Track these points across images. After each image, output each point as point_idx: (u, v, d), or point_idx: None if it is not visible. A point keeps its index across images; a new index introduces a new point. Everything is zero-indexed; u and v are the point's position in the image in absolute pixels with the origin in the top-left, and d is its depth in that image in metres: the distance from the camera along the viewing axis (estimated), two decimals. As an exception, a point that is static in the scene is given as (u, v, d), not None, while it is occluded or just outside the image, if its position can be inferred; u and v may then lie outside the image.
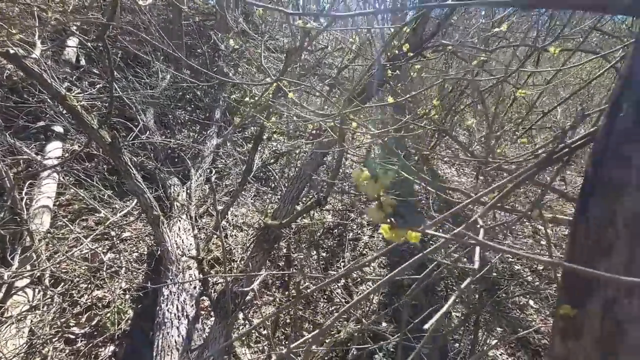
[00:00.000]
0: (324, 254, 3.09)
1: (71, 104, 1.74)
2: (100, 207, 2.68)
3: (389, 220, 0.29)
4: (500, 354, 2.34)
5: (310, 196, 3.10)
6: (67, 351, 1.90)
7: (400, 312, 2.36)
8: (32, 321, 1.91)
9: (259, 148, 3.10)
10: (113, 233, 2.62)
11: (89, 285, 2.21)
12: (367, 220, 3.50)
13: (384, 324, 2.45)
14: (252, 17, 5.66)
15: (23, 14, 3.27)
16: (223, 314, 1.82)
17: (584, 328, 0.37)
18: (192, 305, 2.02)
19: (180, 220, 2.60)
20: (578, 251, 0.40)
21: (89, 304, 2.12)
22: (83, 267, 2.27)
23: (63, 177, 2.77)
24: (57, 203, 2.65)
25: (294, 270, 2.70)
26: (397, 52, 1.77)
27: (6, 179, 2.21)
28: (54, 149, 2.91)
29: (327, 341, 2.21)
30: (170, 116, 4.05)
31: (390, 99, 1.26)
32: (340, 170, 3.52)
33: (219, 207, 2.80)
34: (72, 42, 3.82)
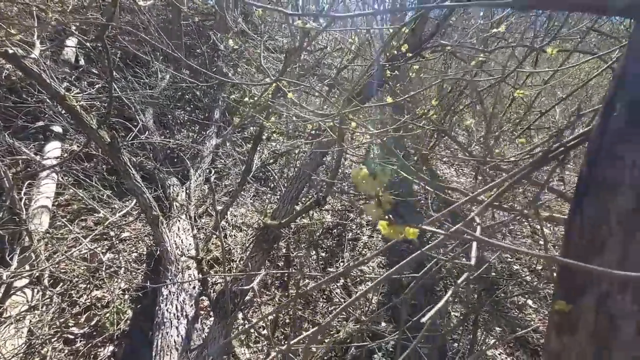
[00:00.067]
0: (323, 254, 3.10)
1: (70, 104, 1.74)
2: (100, 207, 2.68)
3: (387, 217, 0.29)
4: (499, 354, 2.35)
5: (310, 196, 3.10)
6: (66, 351, 1.89)
7: (399, 312, 2.36)
8: (31, 321, 1.90)
9: (258, 148, 3.10)
10: (112, 233, 2.62)
11: (88, 286, 2.21)
12: (366, 220, 3.51)
13: (383, 324, 2.46)
14: (252, 17, 5.67)
15: (22, 13, 3.27)
16: (222, 314, 1.82)
17: (578, 323, 0.38)
18: (192, 305, 2.02)
19: (179, 221, 2.60)
20: (573, 249, 0.40)
21: (88, 304, 2.12)
22: (82, 267, 2.27)
23: (62, 177, 2.77)
24: (56, 203, 2.65)
25: (294, 270, 2.70)
26: (396, 52, 1.78)
27: (5, 179, 2.21)
28: (53, 149, 2.90)
29: (326, 341, 2.21)
30: (169, 116, 4.05)
31: (389, 99, 1.27)
32: (340, 170, 3.52)
33: (218, 207, 2.80)
34: (71, 42, 3.81)
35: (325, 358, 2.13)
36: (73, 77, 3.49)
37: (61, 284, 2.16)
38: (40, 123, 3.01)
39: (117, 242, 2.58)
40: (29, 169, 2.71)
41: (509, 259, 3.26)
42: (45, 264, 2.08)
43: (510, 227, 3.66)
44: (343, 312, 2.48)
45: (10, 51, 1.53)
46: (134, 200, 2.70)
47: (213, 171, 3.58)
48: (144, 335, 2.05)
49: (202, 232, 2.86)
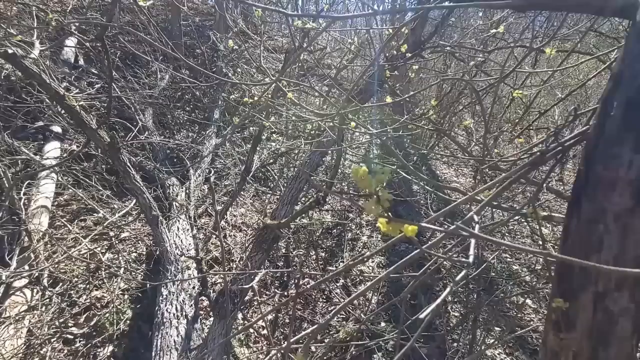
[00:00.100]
0: (323, 254, 3.10)
1: (70, 104, 1.74)
2: (99, 207, 2.67)
3: (385, 214, 0.30)
4: (499, 354, 2.35)
5: (309, 196, 3.10)
6: (65, 351, 1.89)
7: (399, 313, 2.37)
8: (30, 321, 1.90)
9: (258, 148, 3.10)
10: (112, 233, 2.61)
11: (88, 286, 2.21)
12: (366, 220, 3.51)
13: (382, 324, 2.46)
14: (251, 17, 5.67)
15: (21, 13, 3.26)
16: (222, 314, 1.82)
17: (576, 320, 0.38)
18: (191, 305, 2.02)
19: (179, 221, 2.60)
20: (570, 247, 0.41)
21: (87, 304, 2.12)
22: (82, 268, 2.27)
23: (61, 177, 2.77)
24: (56, 203, 2.64)
25: (293, 267, 2.71)
26: (395, 52, 1.78)
27: (4, 178, 2.21)
28: (53, 149, 2.90)
29: (326, 340, 2.21)
30: (169, 116, 4.05)
31: (389, 99, 1.27)
32: (339, 170, 3.53)
33: (218, 207, 2.80)
34: (71, 41, 3.81)
35: (325, 358, 2.13)
36: (72, 77, 3.49)
37: (60, 284, 2.16)
38: (40, 123, 3.00)
39: (117, 242, 2.58)
40: (28, 169, 2.71)
41: (508, 259, 3.26)
42: (45, 264, 2.08)
43: (510, 227, 3.67)
44: (343, 312, 2.48)
45: (10, 51, 1.53)
46: (134, 200, 2.70)
47: (213, 171, 3.58)
48: (143, 336, 2.05)
49: (202, 232, 2.86)
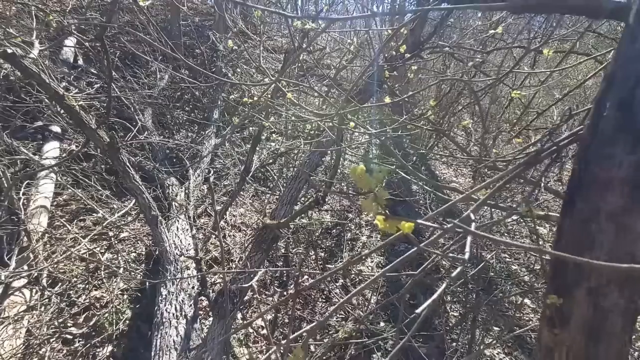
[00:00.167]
0: (322, 254, 3.11)
1: (69, 104, 1.74)
2: (98, 207, 2.67)
3: (383, 212, 0.30)
4: (497, 353, 2.36)
5: (309, 196, 3.11)
6: (64, 351, 1.89)
7: (397, 313, 2.37)
8: (29, 321, 1.90)
9: (258, 148, 3.11)
10: (111, 233, 2.61)
11: (87, 286, 2.21)
12: (365, 220, 3.52)
13: (382, 324, 2.47)
14: (251, 17, 5.68)
15: (20, 13, 3.26)
16: (221, 314, 1.82)
17: (570, 316, 0.39)
18: (191, 305, 2.02)
19: (178, 221, 2.60)
20: (564, 245, 0.41)
21: (86, 304, 2.12)
22: (81, 267, 2.27)
23: (61, 177, 2.77)
24: (55, 203, 2.64)
25: (293, 267, 2.71)
26: (394, 53, 1.79)
27: (3, 178, 2.20)
28: (52, 148, 2.90)
29: (325, 340, 2.22)
30: (168, 116, 4.05)
31: (387, 99, 1.28)
32: (339, 170, 3.53)
33: (217, 207, 2.80)
34: (70, 41, 3.81)
35: (325, 358, 2.13)
36: (72, 76, 3.49)
37: (60, 284, 2.15)
38: (39, 123, 3.00)
39: (116, 242, 2.58)
40: (27, 169, 2.71)
41: (507, 259, 3.28)
42: (44, 264, 2.08)
43: (509, 227, 3.68)
44: (342, 312, 2.49)
45: (9, 51, 1.54)
46: (133, 200, 2.70)
47: (212, 171, 3.58)
48: (142, 336, 2.05)
49: (201, 232, 2.86)
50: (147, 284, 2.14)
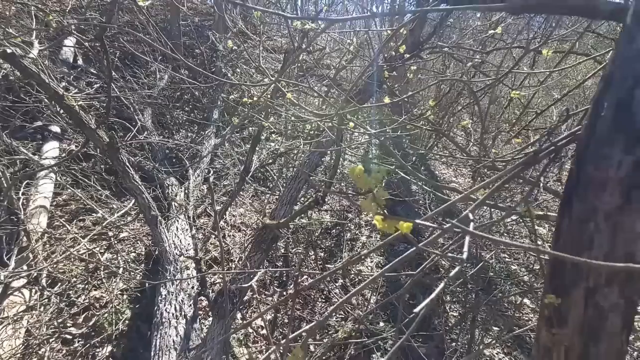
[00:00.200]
0: (322, 254, 3.11)
1: (68, 104, 1.74)
2: (98, 207, 2.67)
3: (381, 212, 0.30)
4: (497, 353, 2.36)
5: (308, 196, 3.11)
6: (64, 352, 1.89)
7: (397, 313, 2.37)
8: (28, 321, 1.90)
9: (257, 148, 3.11)
10: (111, 233, 2.61)
11: (87, 286, 2.21)
12: (365, 220, 3.52)
13: (381, 324, 2.47)
14: (250, 17, 5.68)
15: (20, 13, 3.26)
16: (221, 314, 1.82)
17: (567, 316, 0.39)
18: (190, 305, 2.02)
19: (178, 221, 2.60)
20: (562, 245, 0.42)
21: (86, 304, 2.11)
22: (80, 268, 2.27)
23: (60, 177, 2.76)
24: (54, 203, 2.64)
25: (292, 267, 2.71)
26: (394, 53, 1.79)
27: (3, 178, 2.20)
28: (51, 148, 2.89)
29: (324, 340, 2.22)
30: (168, 116, 4.05)
31: (387, 100, 1.28)
32: (338, 170, 3.54)
33: (217, 207, 2.80)
34: (70, 41, 3.81)
35: (324, 358, 2.13)
36: (71, 76, 3.49)
37: (59, 284, 2.15)
38: (39, 123, 3.00)
39: (116, 242, 2.58)
40: (27, 169, 2.70)
41: (507, 259, 3.28)
42: (43, 264, 2.08)
43: (508, 227, 3.68)
44: (342, 313, 2.49)
45: (9, 50, 1.53)
46: (133, 200, 2.70)
47: (212, 171, 3.58)
48: (142, 336, 2.05)
49: (201, 232, 2.86)
50: (147, 284, 2.14)
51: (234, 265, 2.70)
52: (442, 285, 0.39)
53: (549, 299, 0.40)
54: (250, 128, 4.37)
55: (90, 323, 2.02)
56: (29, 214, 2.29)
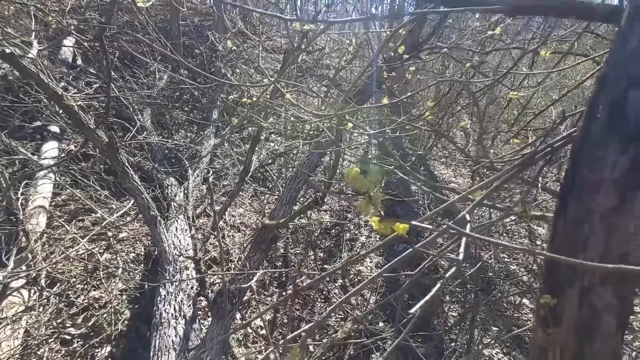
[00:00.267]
0: (321, 254, 3.11)
1: (68, 104, 1.74)
2: (97, 207, 2.67)
3: (378, 213, 0.31)
4: (496, 353, 2.37)
5: (308, 196, 3.11)
6: (63, 352, 1.89)
7: (396, 313, 2.37)
8: (27, 322, 1.89)
9: (257, 148, 3.11)
10: (110, 233, 2.61)
11: (86, 286, 2.21)
12: (364, 220, 3.53)
13: (380, 324, 2.47)
14: (250, 17, 5.68)
15: (19, 13, 3.25)
16: (220, 314, 1.82)
17: (562, 316, 0.40)
18: (190, 306, 2.02)
19: (177, 221, 2.60)
20: (558, 246, 0.42)
21: (85, 304, 2.11)
22: (79, 268, 2.26)
23: (59, 177, 2.76)
24: (53, 203, 2.64)
25: (292, 267, 2.71)
26: (393, 54, 1.79)
27: (2, 179, 2.20)
28: (50, 148, 2.89)
29: (324, 340, 2.22)
30: (167, 116, 4.05)
31: (385, 100, 1.28)
32: (338, 171, 3.54)
33: (217, 208, 2.80)
34: (69, 41, 3.81)
35: (324, 358, 2.14)
36: (71, 76, 3.48)
37: (58, 284, 2.15)
38: (38, 123, 3.00)
39: (115, 242, 2.58)
40: (26, 169, 2.70)
41: (506, 259, 3.29)
42: (42, 264, 2.08)
43: (508, 227, 3.69)
44: (341, 313, 2.49)
45: (8, 50, 1.53)
46: (132, 201, 2.70)
47: (211, 171, 3.58)
48: (141, 336, 2.05)
49: (200, 232, 2.86)
50: (146, 284, 2.14)
51: (233, 266, 2.70)
52: (437, 286, 0.39)
53: (544, 299, 0.40)
54: (249, 128, 4.37)
55: (90, 323, 2.02)
56: (28, 214, 2.29)
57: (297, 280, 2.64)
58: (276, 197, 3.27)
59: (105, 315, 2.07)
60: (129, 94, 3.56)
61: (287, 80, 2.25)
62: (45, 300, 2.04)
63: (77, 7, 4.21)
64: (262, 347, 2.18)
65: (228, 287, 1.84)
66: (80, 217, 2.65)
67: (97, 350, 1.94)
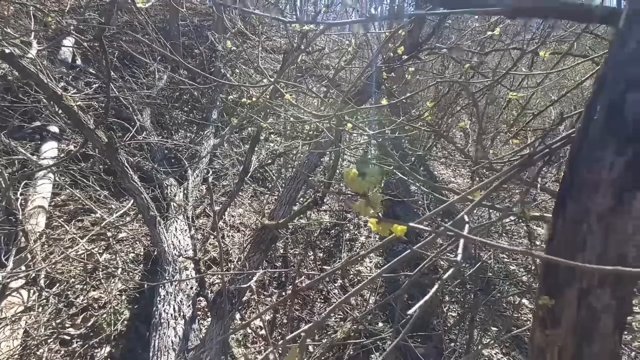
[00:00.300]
0: (321, 254, 3.11)
1: (67, 104, 1.74)
2: (96, 207, 2.67)
3: (376, 214, 0.31)
4: (495, 353, 2.37)
5: (307, 196, 3.11)
6: (62, 352, 1.89)
7: (396, 314, 2.37)
8: (27, 322, 1.89)
9: (256, 149, 3.11)
10: (109, 234, 2.61)
11: (85, 286, 2.20)
12: (363, 220, 3.53)
13: (380, 324, 2.47)
14: (250, 18, 5.68)
15: (19, 13, 3.25)
16: (220, 315, 1.82)
17: (561, 317, 0.40)
18: (189, 306, 2.02)
19: (177, 221, 2.60)
20: (556, 246, 0.42)
21: (84, 304, 2.11)
22: (79, 268, 2.26)
23: (59, 178, 2.76)
24: (53, 203, 2.64)
25: (291, 268, 2.71)
26: (392, 54, 1.80)
27: (1, 179, 2.20)
28: (50, 149, 2.89)
29: (323, 341, 2.22)
30: (167, 116, 4.05)
31: (385, 100, 1.28)
32: (337, 171, 3.54)
33: (216, 208, 2.80)
34: (69, 41, 3.80)
35: (323, 358, 2.14)
36: (70, 77, 3.48)
37: (58, 284, 2.15)
38: (37, 123, 2.99)
39: (114, 242, 2.57)
40: (25, 169, 2.70)
41: (505, 260, 3.29)
42: (42, 265, 2.07)
43: (507, 228, 3.69)
44: (341, 313, 2.49)
45: (7, 50, 1.53)
46: (131, 201, 2.70)
47: (211, 171, 3.58)
48: (141, 336, 2.05)
49: (200, 232, 2.86)
50: (146, 284, 2.14)
51: (232, 266, 2.70)
52: (436, 286, 0.39)
53: (543, 300, 0.41)
54: (249, 128, 4.37)
55: (89, 324, 2.02)
56: (28, 214, 2.28)
57: (297, 281, 2.64)
58: (276, 197, 3.27)
59: (104, 315, 2.06)
60: (129, 94, 3.56)
61: (287, 81, 2.25)
62: (45, 301, 2.04)
63: (77, 7, 4.21)
64: (262, 348, 2.18)
65: (227, 287, 1.84)
66: (79, 217, 2.65)
67: (96, 351, 1.94)
